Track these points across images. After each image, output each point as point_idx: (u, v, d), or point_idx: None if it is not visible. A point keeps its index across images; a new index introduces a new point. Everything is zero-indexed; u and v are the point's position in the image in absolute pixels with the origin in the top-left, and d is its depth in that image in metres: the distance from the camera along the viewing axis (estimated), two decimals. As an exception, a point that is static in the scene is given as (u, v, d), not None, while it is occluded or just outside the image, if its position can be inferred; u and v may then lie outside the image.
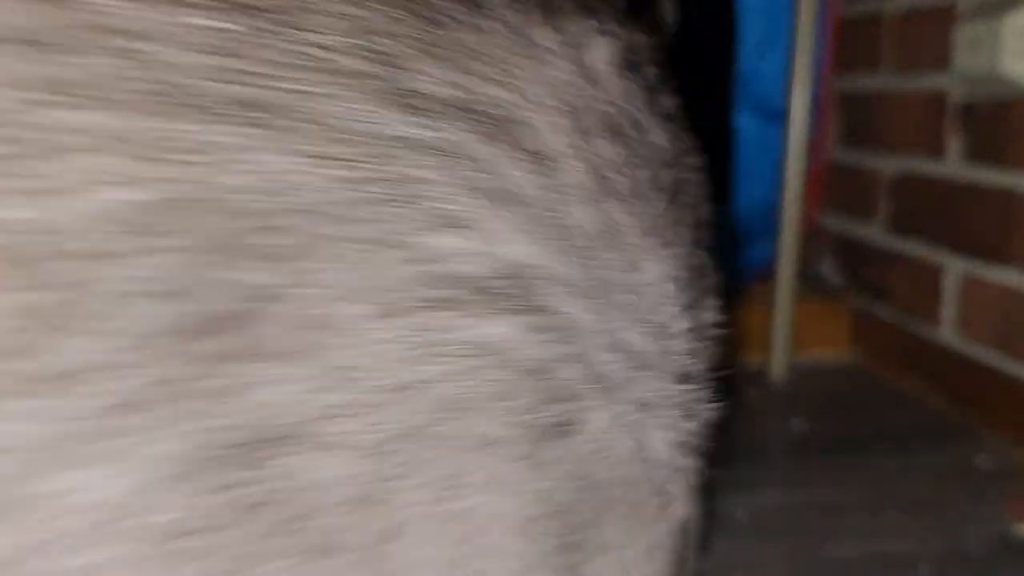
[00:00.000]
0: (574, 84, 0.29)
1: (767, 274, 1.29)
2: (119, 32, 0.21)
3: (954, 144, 1.12)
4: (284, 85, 0.23)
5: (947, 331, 1.14)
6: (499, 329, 0.25)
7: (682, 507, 0.37)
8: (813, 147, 1.28)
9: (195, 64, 0.22)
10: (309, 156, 0.23)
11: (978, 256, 1.08)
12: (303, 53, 0.23)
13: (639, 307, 0.30)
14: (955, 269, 1.13)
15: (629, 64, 0.32)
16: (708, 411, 0.36)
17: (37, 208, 0.19)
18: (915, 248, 1.21)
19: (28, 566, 0.19)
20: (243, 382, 0.21)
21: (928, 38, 1.16)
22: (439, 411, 0.24)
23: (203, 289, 0.20)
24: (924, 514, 0.87)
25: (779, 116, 1.23)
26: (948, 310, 1.14)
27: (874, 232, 1.31)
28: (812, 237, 1.51)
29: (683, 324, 0.33)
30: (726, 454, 1.01)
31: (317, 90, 0.23)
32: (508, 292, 0.26)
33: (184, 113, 0.21)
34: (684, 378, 0.34)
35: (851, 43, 1.35)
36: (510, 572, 0.26)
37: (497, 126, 0.26)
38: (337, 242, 0.23)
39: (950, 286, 1.14)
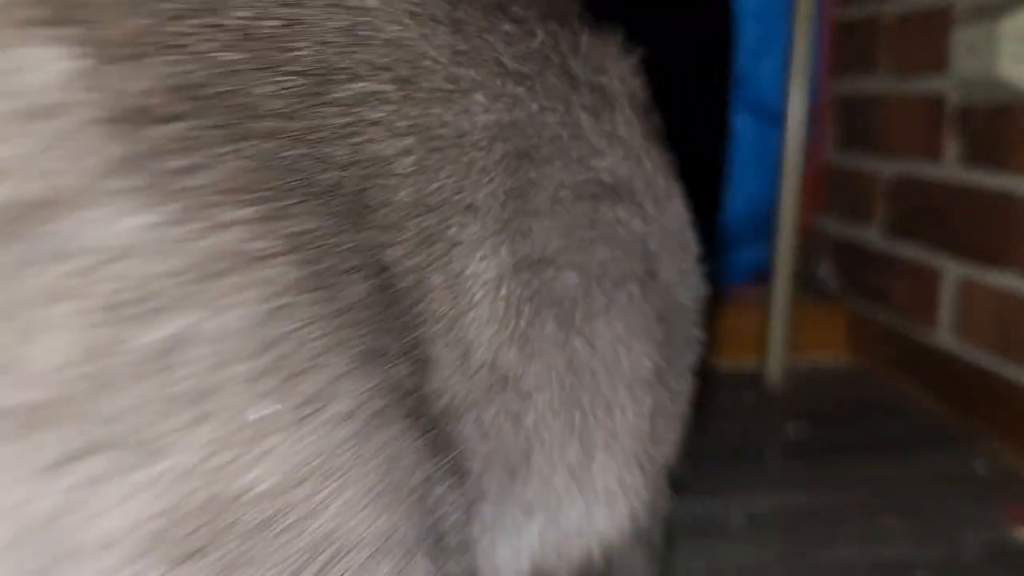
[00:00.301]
0: (629, 77, 0.49)
1: (764, 276, 1.29)
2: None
3: (952, 147, 1.11)
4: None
5: (945, 335, 1.14)
6: (621, 213, 0.45)
7: (701, 341, 0.55)
8: (810, 150, 1.28)
9: (509, 51, 0.40)
10: (544, 107, 0.41)
11: (976, 260, 1.08)
12: (536, 51, 0.42)
13: (673, 209, 0.51)
14: (953, 273, 1.12)
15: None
16: (705, 287, 0.55)
17: (455, 116, 0.36)
18: (913, 251, 1.21)
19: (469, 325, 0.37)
20: (530, 210, 0.40)
21: (925, 41, 1.15)
22: (612, 251, 0.44)
23: (515, 164, 0.39)
24: (921, 519, 0.86)
25: (776, 118, 1.23)
26: (946, 314, 1.14)
27: (871, 235, 1.31)
28: (809, 240, 1.51)
29: (692, 222, 0.54)
30: (723, 457, 1.01)
31: (543, 72, 0.42)
32: (621, 193, 0.45)
33: (502, 75, 0.39)
34: (696, 259, 0.54)
35: (848, 46, 1.35)
36: (654, 345, 0.47)
37: (609, 99, 0.46)
38: (556, 157, 0.41)
39: (948, 290, 1.13)
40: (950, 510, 0.88)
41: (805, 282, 1.48)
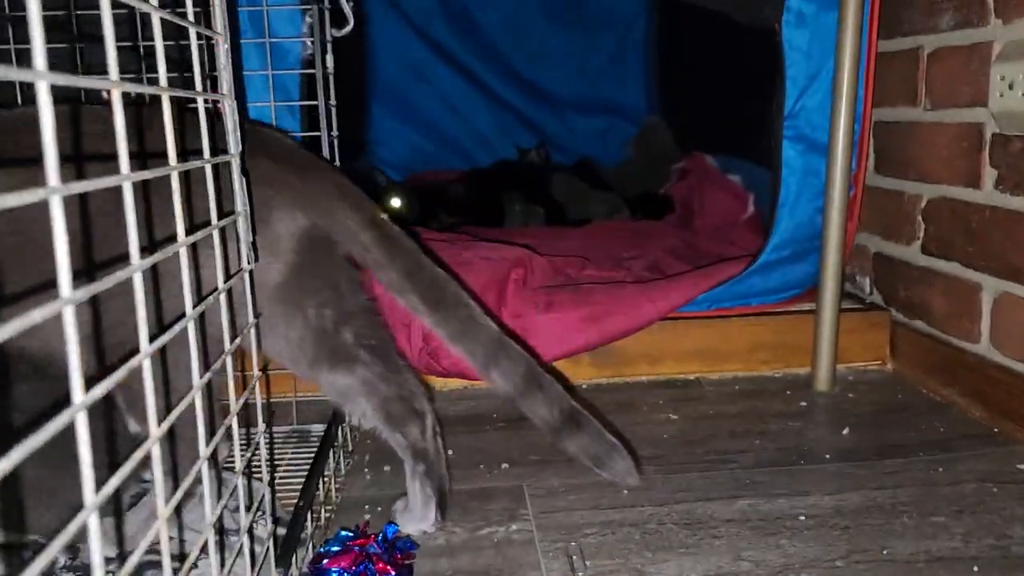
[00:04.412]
0: None
1: (813, 292, 1.39)
2: None
3: (989, 174, 1.20)
4: None
5: (983, 344, 1.23)
6: None
7: None
8: (853, 174, 1.37)
9: None
10: None
11: (1012, 276, 1.17)
12: None
13: None
14: (991, 288, 1.21)
15: None
16: None
17: None
18: (952, 268, 1.30)
19: None
20: None
21: (964, 74, 1.25)
22: None
23: None
24: (971, 516, 0.96)
25: (823, 148, 1.32)
26: (984, 325, 1.23)
27: (911, 253, 1.40)
28: (855, 257, 1.60)
29: None
30: (784, 460, 1.11)
31: None
32: None
33: None
34: None
35: (890, 76, 1.44)
36: None
37: None
38: None
39: (986, 303, 1.23)
40: (997, 508, 0.97)
41: (850, 295, 1.58)
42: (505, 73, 2.90)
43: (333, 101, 1.17)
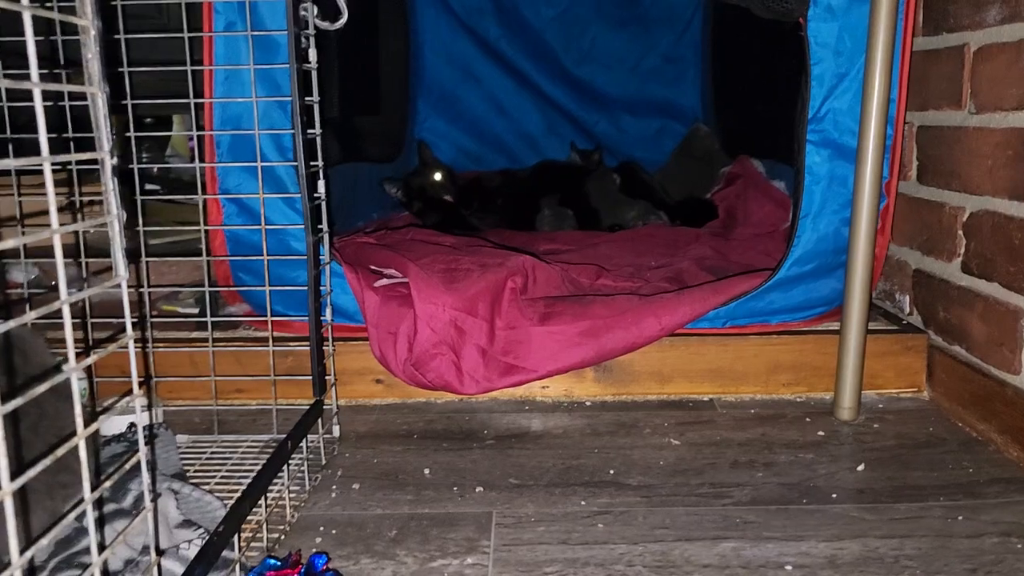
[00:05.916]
0: None
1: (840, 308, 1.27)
2: None
3: (1035, 185, 1.07)
4: None
5: (1026, 377, 1.10)
6: None
7: None
8: (885, 183, 1.25)
9: None
10: None
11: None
12: None
13: None
14: (1035, 314, 1.08)
15: None
16: None
17: None
18: (993, 290, 1.17)
19: None
20: None
21: (1013, 73, 1.11)
22: None
23: None
24: None
25: (852, 153, 1.21)
26: (1027, 355, 1.10)
27: (951, 271, 1.27)
28: (889, 273, 1.47)
29: None
30: (785, 498, 1.01)
31: None
32: None
33: None
34: None
35: (934, 77, 1.31)
36: None
37: None
38: None
39: (1029, 331, 1.09)
40: (1018, 569, 0.85)
41: (883, 314, 1.45)
42: (555, 72, 2.82)
43: (316, 97, 1.11)
